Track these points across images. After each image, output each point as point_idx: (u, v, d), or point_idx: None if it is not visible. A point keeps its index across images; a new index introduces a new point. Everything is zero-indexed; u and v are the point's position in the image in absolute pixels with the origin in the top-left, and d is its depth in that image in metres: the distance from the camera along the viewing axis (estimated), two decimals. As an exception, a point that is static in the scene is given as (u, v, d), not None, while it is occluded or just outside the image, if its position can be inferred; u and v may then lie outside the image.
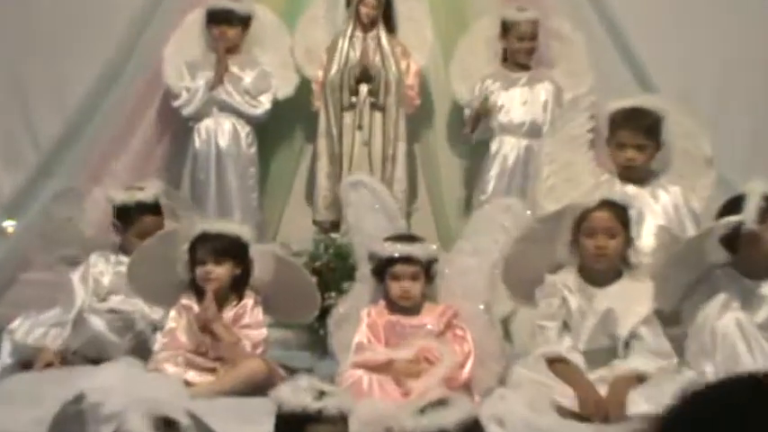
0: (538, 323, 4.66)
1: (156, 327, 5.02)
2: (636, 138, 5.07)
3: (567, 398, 4.42)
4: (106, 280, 5.27)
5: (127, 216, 5.36)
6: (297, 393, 3.44)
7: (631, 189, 5.07)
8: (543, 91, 6.20)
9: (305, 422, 3.39)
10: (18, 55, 6.52)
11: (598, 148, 5.28)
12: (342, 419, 3.46)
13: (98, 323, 5.08)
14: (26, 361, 5.10)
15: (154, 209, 5.38)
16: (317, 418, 3.37)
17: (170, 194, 5.65)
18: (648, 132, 5.07)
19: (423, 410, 3.54)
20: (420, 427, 3.43)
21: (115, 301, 5.23)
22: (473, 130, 6.18)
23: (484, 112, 6.11)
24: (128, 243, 5.29)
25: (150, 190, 5.46)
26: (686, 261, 4.66)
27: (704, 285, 4.63)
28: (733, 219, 4.51)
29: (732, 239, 4.54)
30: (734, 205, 4.58)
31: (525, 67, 6.25)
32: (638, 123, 5.05)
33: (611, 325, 4.57)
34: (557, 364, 4.53)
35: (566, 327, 4.65)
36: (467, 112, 6.22)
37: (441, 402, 3.58)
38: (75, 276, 5.29)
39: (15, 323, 5.21)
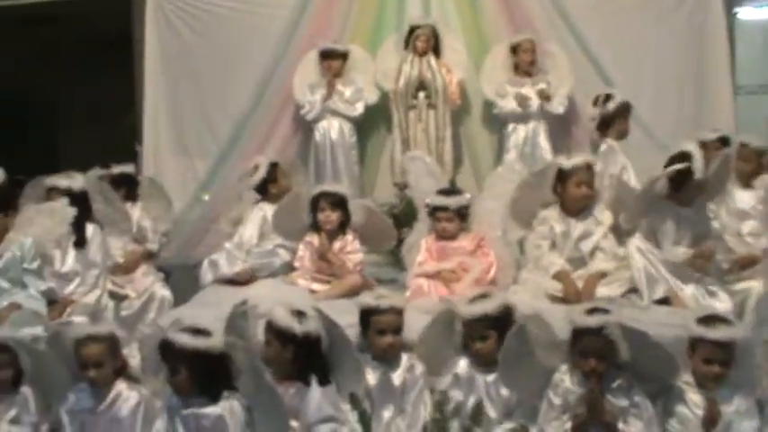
0: (534, 242, 4.64)
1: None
2: None
3: (556, 290, 4.43)
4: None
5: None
6: (365, 296, 3.69)
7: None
8: (541, 88, 6.09)
9: (372, 314, 3.61)
10: (197, 86, 6.48)
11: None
12: (394, 312, 3.58)
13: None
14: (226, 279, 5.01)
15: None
16: (376, 310, 3.58)
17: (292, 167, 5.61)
18: None
19: (471, 301, 3.62)
20: (469, 312, 3.52)
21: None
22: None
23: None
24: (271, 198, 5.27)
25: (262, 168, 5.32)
26: (644, 197, 4.49)
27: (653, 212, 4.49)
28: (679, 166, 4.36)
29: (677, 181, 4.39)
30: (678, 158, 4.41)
31: (528, 74, 6.18)
32: None
33: (583, 242, 4.56)
34: (559, 272, 4.49)
35: (553, 245, 4.58)
36: (503, 106, 6.05)
37: (483, 295, 3.65)
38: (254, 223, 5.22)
39: (216, 256, 5.12)
